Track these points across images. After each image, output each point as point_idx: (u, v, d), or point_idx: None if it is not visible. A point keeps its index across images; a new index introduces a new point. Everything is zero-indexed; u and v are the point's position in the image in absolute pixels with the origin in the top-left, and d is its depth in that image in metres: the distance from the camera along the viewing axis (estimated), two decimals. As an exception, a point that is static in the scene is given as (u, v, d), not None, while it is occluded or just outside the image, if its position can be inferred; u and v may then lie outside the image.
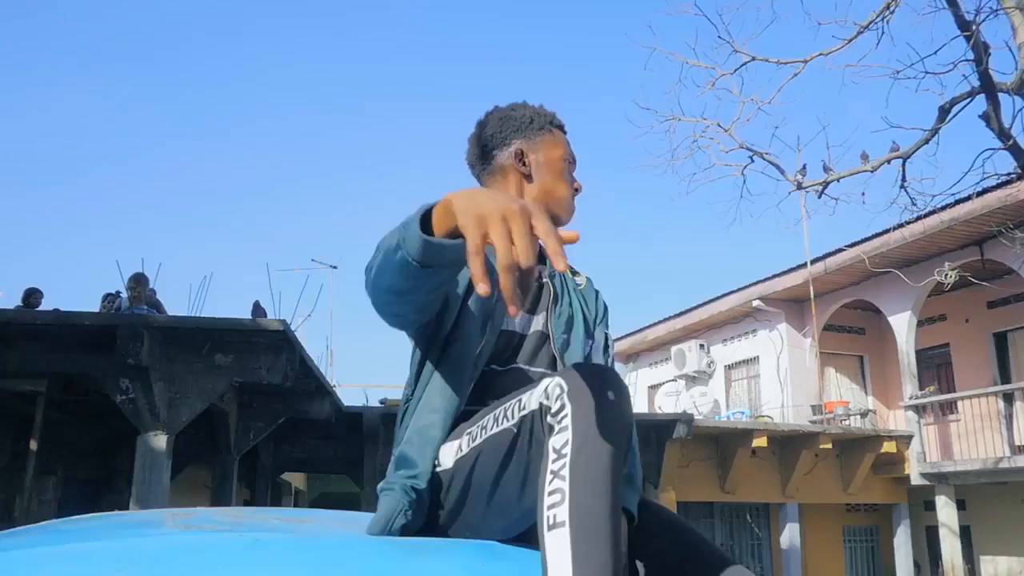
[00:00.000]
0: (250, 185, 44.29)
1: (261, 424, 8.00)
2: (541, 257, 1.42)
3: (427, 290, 1.10)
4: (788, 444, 12.27)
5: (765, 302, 14.52)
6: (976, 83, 6.05)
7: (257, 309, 7.21)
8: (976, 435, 12.15)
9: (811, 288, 13.30)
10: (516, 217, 0.84)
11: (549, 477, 0.95)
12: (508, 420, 1.10)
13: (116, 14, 39.93)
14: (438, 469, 1.21)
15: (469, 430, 1.18)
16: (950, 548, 11.96)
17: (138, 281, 8.53)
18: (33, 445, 5.86)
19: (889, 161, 7.76)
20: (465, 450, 1.17)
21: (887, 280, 12.32)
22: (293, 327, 6.45)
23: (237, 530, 1.20)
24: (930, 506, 12.96)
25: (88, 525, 1.28)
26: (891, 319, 13.19)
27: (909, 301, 12.69)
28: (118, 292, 8.92)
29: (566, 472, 0.93)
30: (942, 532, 12.13)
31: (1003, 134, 5.78)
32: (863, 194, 8.30)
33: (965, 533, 12.64)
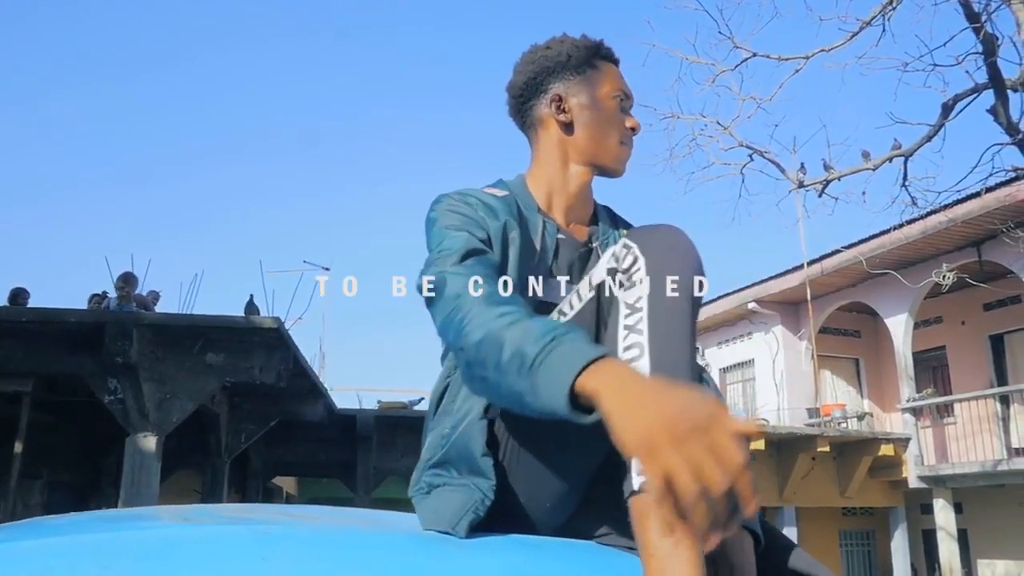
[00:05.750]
0: (245, 186, 44.04)
1: (253, 426, 7.83)
2: (594, 217, 1.28)
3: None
4: (785, 447, 12.16)
5: (760, 304, 14.44)
6: (982, 77, 5.98)
7: (251, 306, 7.04)
8: (973, 438, 12.07)
9: (808, 290, 13.22)
10: (697, 436, 0.65)
11: (624, 332, 0.88)
12: (571, 309, 0.98)
13: (115, 18, 39.72)
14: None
15: None
16: (948, 551, 11.87)
17: (126, 280, 8.32)
18: (18, 447, 5.69)
19: (891, 159, 7.67)
20: None
21: (883, 282, 12.25)
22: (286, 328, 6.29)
23: (243, 523, 1.07)
24: (926, 509, 12.89)
25: (76, 520, 1.14)
26: (887, 321, 13.11)
27: (906, 303, 12.62)
28: (105, 292, 8.71)
29: (644, 326, 0.87)
30: (940, 535, 12.05)
31: (1011, 128, 5.71)
32: (863, 193, 8.21)
33: (962, 536, 12.56)
